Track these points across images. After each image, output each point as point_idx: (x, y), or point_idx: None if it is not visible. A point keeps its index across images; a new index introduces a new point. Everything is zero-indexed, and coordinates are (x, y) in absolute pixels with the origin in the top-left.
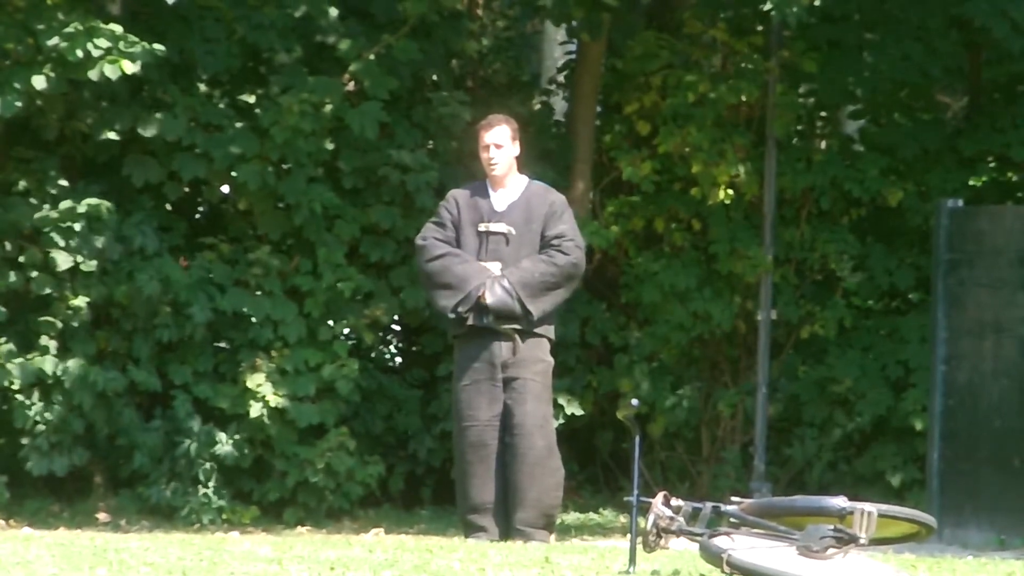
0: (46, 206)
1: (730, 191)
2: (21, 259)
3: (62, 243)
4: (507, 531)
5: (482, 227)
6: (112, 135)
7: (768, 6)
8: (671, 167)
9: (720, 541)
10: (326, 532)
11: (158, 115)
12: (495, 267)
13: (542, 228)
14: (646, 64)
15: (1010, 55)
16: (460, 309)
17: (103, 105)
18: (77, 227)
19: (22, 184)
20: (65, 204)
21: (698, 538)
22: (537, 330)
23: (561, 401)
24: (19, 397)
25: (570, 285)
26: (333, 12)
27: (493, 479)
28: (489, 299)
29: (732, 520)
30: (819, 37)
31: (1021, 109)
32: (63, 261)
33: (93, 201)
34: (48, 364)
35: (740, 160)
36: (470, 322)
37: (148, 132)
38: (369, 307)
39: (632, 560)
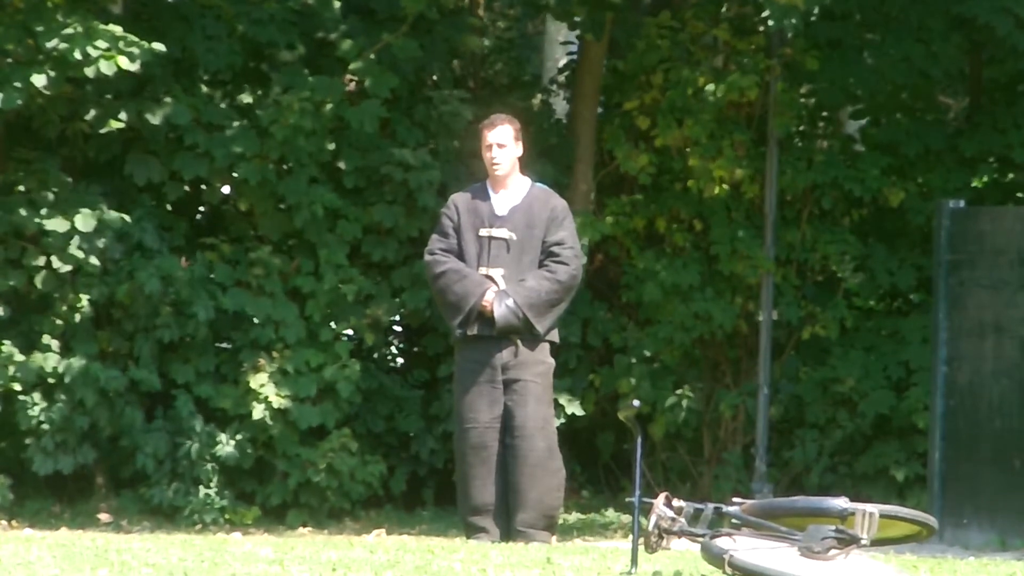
0: (46, 208)
1: (725, 186)
2: (23, 260)
3: (63, 244)
4: (508, 532)
5: (483, 232)
6: (116, 124)
7: (765, 14)
8: (668, 161)
9: (722, 542)
10: (327, 533)
11: (167, 99)
12: (497, 273)
13: (543, 234)
14: (647, 57)
15: (1014, 51)
16: (463, 328)
17: (106, 98)
18: (78, 228)
19: (23, 185)
20: (66, 206)
21: (700, 539)
22: None
23: (562, 402)
24: (22, 398)
25: (570, 296)
26: (335, 5)
27: (494, 481)
28: (496, 315)
29: (734, 521)
30: (820, 35)
31: (1022, 110)
32: (64, 263)
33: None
34: (50, 363)
35: (739, 158)
36: (474, 332)
37: (155, 119)
38: (370, 308)
39: (634, 561)
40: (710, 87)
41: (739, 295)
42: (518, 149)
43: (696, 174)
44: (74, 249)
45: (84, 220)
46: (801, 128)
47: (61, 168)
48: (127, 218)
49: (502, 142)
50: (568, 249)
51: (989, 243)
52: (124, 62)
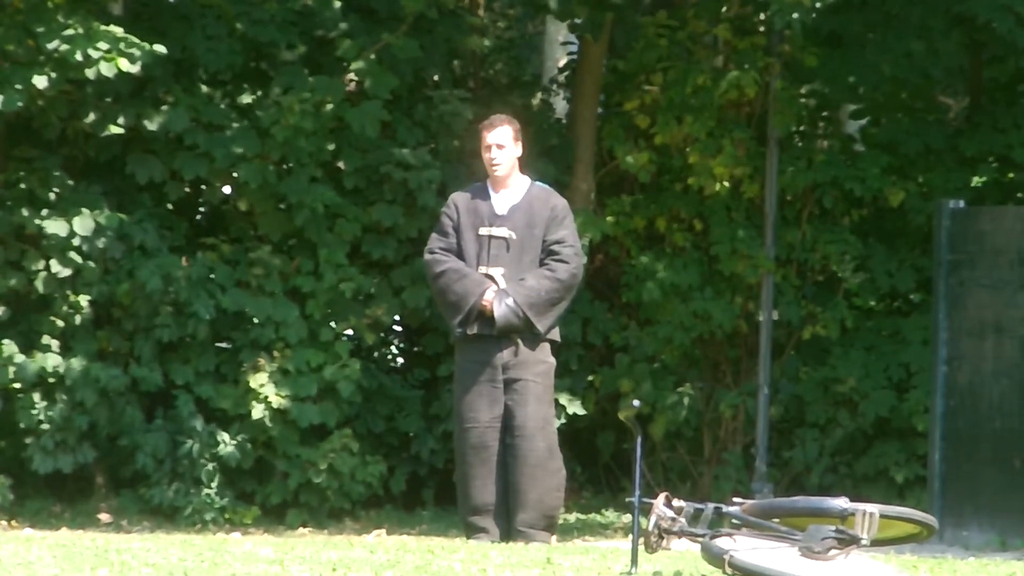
0: (47, 208)
1: (726, 184)
2: (23, 260)
3: (63, 244)
4: (508, 532)
5: (483, 231)
6: (116, 129)
7: (771, 11)
8: (668, 160)
9: (722, 542)
10: (327, 533)
11: (164, 107)
12: (497, 273)
13: (543, 233)
14: (646, 56)
15: (1015, 49)
16: (463, 327)
17: (106, 101)
18: (79, 228)
19: (23, 184)
20: (67, 206)
21: (700, 539)
22: None
23: (563, 401)
24: (22, 397)
25: (571, 295)
26: (335, 5)
27: (494, 481)
28: (496, 315)
29: (734, 521)
30: (821, 29)
31: (1022, 109)
32: (64, 263)
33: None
34: (50, 363)
35: (739, 156)
36: (474, 332)
37: (153, 125)
38: (370, 307)
39: (634, 561)
40: (709, 84)
41: (739, 295)
42: (517, 149)
43: (696, 171)
44: (74, 249)
45: (84, 220)
46: (801, 127)
47: (62, 167)
48: (125, 218)
49: (501, 143)
50: (568, 248)
51: (989, 243)
52: (125, 64)
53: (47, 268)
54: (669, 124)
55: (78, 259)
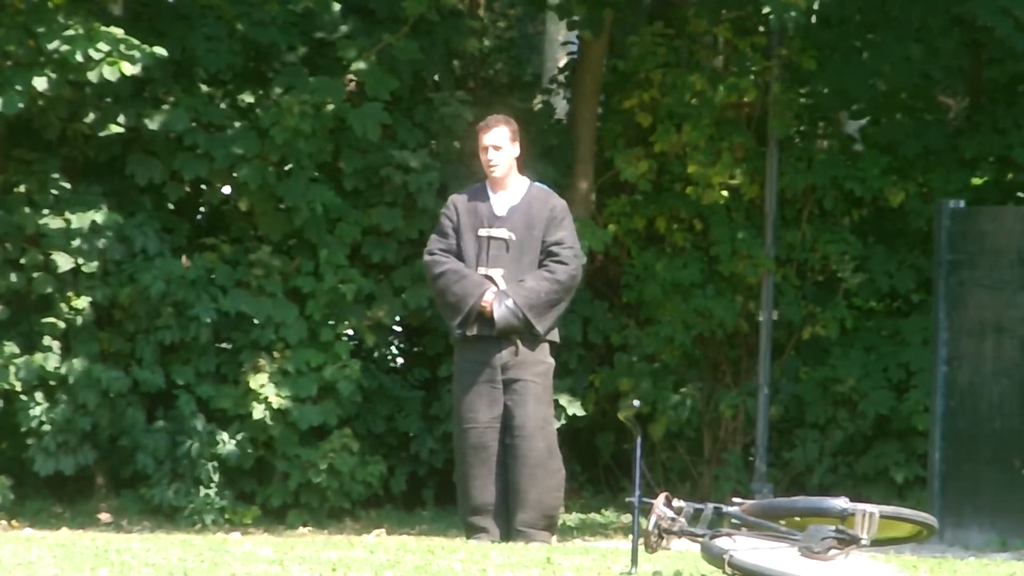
0: (47, 208)
1: (724, 192)
2: (23, 261)
3: (63, 245)
4: (508, 532)
5: (483, 232)
6: (115, 128)
7: (766, 10)
8: (667, 165)
9: (722, 542)
10: (327, 533)
11: (164, 106)
12: (497, 274)
13: (543, 234)
14: (643, 62)
15: (1012, 53)
16: (462, 328)
17: (106, 101)
18: (79, 229)
19: (23, 186)
20: (66, 207)
21: (700, 539)
22: None
23: (563, 402)
24: (23, 398)
25: (570, 296)
26: (335, 7)
27: (494, 481)
28: (496, 316)
29: (733, 521)
30: (820, 36)
31: (1022, 110)
32: (64, 263)
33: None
34: (51, 364)
35: (738, 160)
36: (473, 333)
37: (153, 124)
38: (371, 308)
39: (634, 561)
40: (708, 92)
41: (739, 295)
42: (515, 150)
43: (695, 180)
44: (74, 250)
45: (84, 221)
46: (801, 128)
47: (62, 168)
48: (121, 219)
49: (498, 144)
50: (567, 249)
51: (989, 243)
52: (127, 67)
53: (47, 268)
54: (668, 132)
55: (79, 260)
